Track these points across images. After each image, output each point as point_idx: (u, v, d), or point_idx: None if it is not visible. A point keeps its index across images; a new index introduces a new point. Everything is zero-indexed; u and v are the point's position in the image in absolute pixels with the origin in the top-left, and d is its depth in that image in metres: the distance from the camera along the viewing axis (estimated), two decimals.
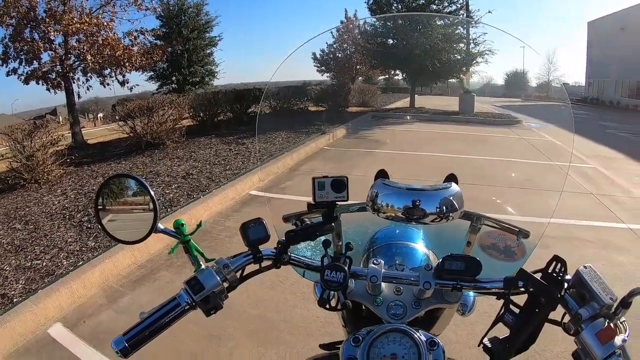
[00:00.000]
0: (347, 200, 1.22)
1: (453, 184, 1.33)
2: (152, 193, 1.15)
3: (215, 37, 27.32)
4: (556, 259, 1.02)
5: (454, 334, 3.25)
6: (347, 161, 9.29)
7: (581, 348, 0.98)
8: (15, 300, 3.71)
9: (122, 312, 3.77)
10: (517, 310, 1.01)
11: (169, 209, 6.02)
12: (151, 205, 1.15)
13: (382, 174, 1.42)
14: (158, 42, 17.67)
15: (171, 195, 6.70)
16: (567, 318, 1.02)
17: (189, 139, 11.58)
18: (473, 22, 23.93)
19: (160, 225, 1.15)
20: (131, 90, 14.61)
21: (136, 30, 13.83)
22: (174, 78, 25.31)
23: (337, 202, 1.22)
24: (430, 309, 1.17)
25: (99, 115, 40.47)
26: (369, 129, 13.73)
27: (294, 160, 9.42)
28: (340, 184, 1.20)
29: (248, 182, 7.53)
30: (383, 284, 1.16)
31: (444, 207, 1.26)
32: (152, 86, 26.10)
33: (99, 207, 1.19)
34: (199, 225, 1.32)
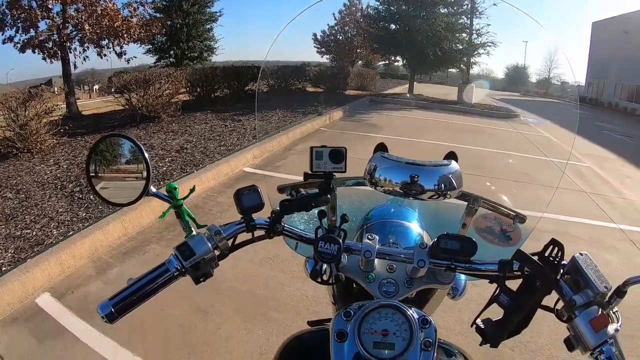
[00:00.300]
0: (344, 172, 1.20)
1: (453, 161, 1.32)
2: (146, 155, 1.12)
3: (216, 12, 27.06)
4: (554, 242, 1.00)
5: (441, 319, 3.26)
6: (343, 143, 9.26)
7: (573, 335, 0.98)
8: (3, 269, 3.69)
9: (111, 284, 3.76)
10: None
11: (161, 182, 6.01)
12: (144, 167, 1.12)
13: (381, 147, 1.39)
14: (157, 14, 17.54)
15: (164, 168, 6.69)
16: (560, 305, 1.01)
17: (184, 113, 11.51)
18: (477, 14, 23.85)
19: (153, 188, 1.13)
20: (128, 63, 14.49)
21: (136, 2, 13.61)
22: (172, 52, 25.04)
23: (334, 173, 1.19)
24: (422, 289, 1.15)
25: (94, 87, 40.15)
26: (367, 113, 13.76)
27: (289, 139, 9.43)
28: (338, 155, 1.17)
29: (242, 159, 7.51)
30: (376, 261, 1.14)
31: (442, 185, 1.25)
32: (150, 59, 25.86)
33: (91, 167, 1.16)
34: (192, 190, 1.31)
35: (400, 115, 14.91)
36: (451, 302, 1.51)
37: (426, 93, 21.73)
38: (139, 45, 14.88)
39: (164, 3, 22.87)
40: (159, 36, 20.22)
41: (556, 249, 1.00)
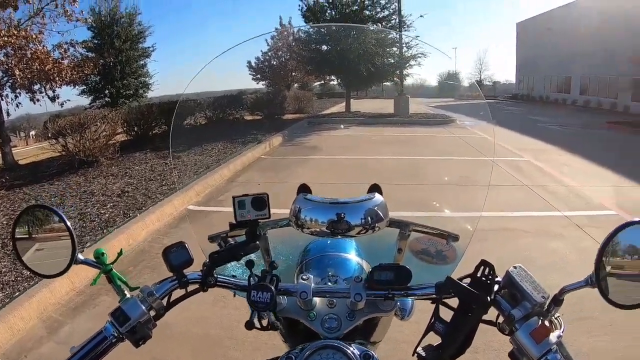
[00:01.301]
0: (269, 218, 1.23)
1: (377, 194, 1.34)
2: (69, 224, 1.14)
3: (148, 47, 26.85)
4: (484, 263, 1.03)
5: (400, 333, 3.38)
6: (284, 169, 9.41)
7: (517, 348, 0.99)
8: None
9: (64, 343, 3.68)
10: (450, 315, 1.03)
11: (105, 230, 5.98)
12: (68, 236, 1.14)
13: (304, 189, 1.41)
14: (89, 54, 17.27)
15: (107, 215, 6.64)
16: (501, 318, 1.03)
17: (123, 154, 11.40)
18: (405, 27, 24.50)
19: (81, 256, 1.14)
20: (62, 106, 14.19)
21: (66, 43, 13.34)
22: (107, 91, 24.62)
23: (259, 220, 1.22)
24: (368, 318, 1.17)
25: (31, 133, 38.92)
26: (305, 136, 13.88)
27: (230, 171, 9.47)
28: (260, 202, 1.20)
29: (185, 197, 7.55)
30: (316, 298, 1.16)
31: (369, 218, 1.26)
32: (85, 100, 25.37)
33: (17, 239, 1.18)
34: (120, 253, 1.31)
35: (339, 134, 15.06)
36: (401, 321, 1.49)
37: (363, 109, 21.99)
38: (72, 87, 14.59)
39: (96, 42, 22.63)
40: (92, 76, 19.85)
41: (487, 269, 1.03)
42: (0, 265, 5.00)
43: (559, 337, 0.98)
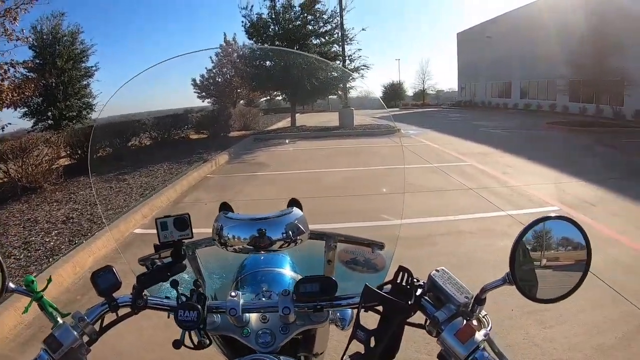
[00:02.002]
0: (192, 238, 1.25)
1: (295, 208, 1.37)
2: None
3: (91, 67, 26.39)
4: (402, 269, 1.06)
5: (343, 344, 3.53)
6: (231, 188, 9.55)
7: (444, 349, 1.01)
8: None
9: None
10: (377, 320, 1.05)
11: (50, 259, 5.94)
12: None
13: (225, 207, 1.42)
14: (31, 74, 16.82)
15: (52, 243, 6.60)
16: (429, 321, 1.06)
17: (67, 179, 11.25)
18: (347, 41, 24.93)
19: (11, 285, 1.14)
20: (3, 130, 13.84)
21: (6, 63, 12.98)
22: (49, 113, 24.01)
23: (183, 240, 1.24)
24: (304, 330, 1.21)
25: None
26: (251, 152, 14.08)
27: (177, 192, 9.53)
28: (182, 222, 1.23)
29: (131, 221, 7.58)
30: (250, 314, 1.21)
31: (290, 232, 1.28)
32: (27, 123, 24.62)
33: None
34: (49, 281, 1.36)
35: (284, 149, 15.35)
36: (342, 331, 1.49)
37: (309, 123, 22.42)
38: (13, 109, 14.24)
39: (37, 62, 22.08)
40: (34, 97, 19.41)
41: (406, 274, 1.06)
42: None
43: (486, 335, 1.01)
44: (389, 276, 1.12)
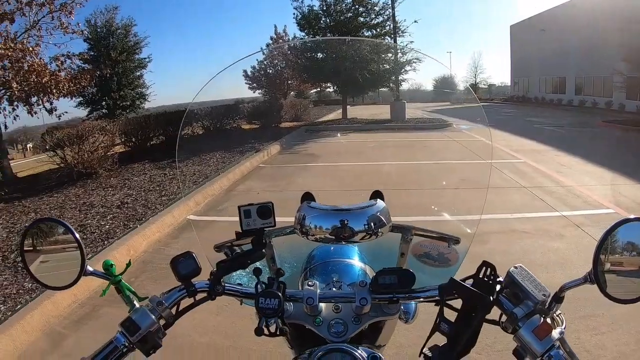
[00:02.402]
0: (274, 226, 1.24)
1: (379, 200, 1.36)
2: (77, 236, 1.15)
3: (144, 58, 26.88)
4: (485, 264, 1.05)
5: (404, 337, 3.37)
6: (283, 178, 9.45)
7: (520, 345, 1.01)
8: None
9: (68, 356, 3.66)
10: (454, 316, 1.04)
11: (105, 242, 5.97)
12: (77, 248, 1.15)
13: (307, 197, 1.43)
14: (86, 66, 17.23)
15: (107, 226, 6.64)
16: (504, 317, 1.05)
17: (122, 166, 11.42)
18: (399, 33, 24.60)
19: (90, 268, 1.15)
20: (60, 118, 14.11)
21: (63, 55, 13.26)
22: (104, 103, 24.61)
23: (265, 229, 1.23)
24: (373, 322, 1.18)
25: (28, 146, 38.80)
26: (303, 143, 13.95)
27: (229, 180, 9.51)
28: (266, 211, 1.22)
29: (185, 207, 7.54)
30: (322, 304, 1.18)
31: (372, 224, 1.27)
32: (82, 112, 25.27)
33: (26, 252, 1.19)
34: (128, 265, 1.35)
35: (336, 141, 15.13)
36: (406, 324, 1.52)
37: (360, 115, 22.17)
38: (69, 99, 14.56)
39: (92, 53, 22.64)
40: (89, 88, 19.84)
41: (489, 269, 1.05)
42: (2, 278, 4.99)
43: (561, 333, 1.00)
44: (461, 271, 1.17)
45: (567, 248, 5.23)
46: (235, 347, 3.62)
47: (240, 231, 1.23)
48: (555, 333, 0.99)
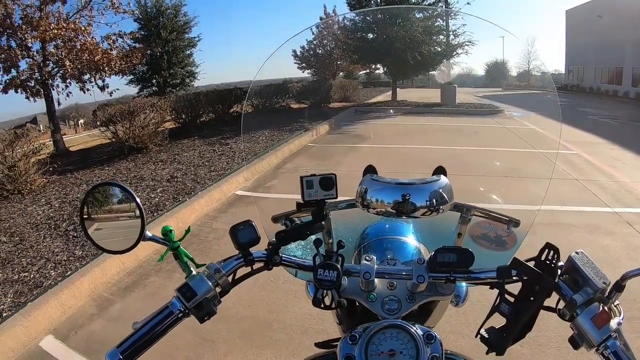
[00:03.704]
0: (336, 198, 1.21)
1: (442, 176, 1.33)
2: (138, 200, 1.13)
3: (194, 37, 26.96)
4: (549, 246, 1.02)
5: (447, 324, 3.27)
6: (331, 158, 9.29)
7: (577, 333, 0.99)
8: (4, 314, 3.66)
9: (113, 321, 3.74)
10: (511, 299, 1.02)
11: (155, 214, 5.99)
12: (137, 213, 1.14)
13: (370, 170, 1.41)
14: (137, 45, 17.50)
15: (157, 199, 6.67)
16: (561, 304, 1.02)
17: (172, 141, 11.56)
18: (452, 14, 24.06)
19: (149, 233, 1.14)
20: (111, 95, 14.43)
21: (114, 34, 13.60)
22: (154, 81, 24.83)
23: (326, 200, 1.21)
24: (425, 302, 1.16)
25: (79, 122, 39.89)
26: (352, 124, 13.78)
27: (278, 158, 9.44)
28: (328, 182, 1.19)
29: (234, 183, 7.52)
30: (376, 280, 1.15)
31: (434, 200, 1.25)
32: (133, 90, 25.71)
33: (85, 217, 1.17)
34: (188, 231, 1.30)
35: (385, 123, 14.91)
36: (455, 308, 1.49)
37: (409, 98, 21.85)
38: (120, 76, 14.84)
39: (143, 33, 22.86)
40: (139, 66, 20.19)
41: (552, 252, 1.01)
42: (54, 246, 5.05)
43: (619, 324, 0.98)
44: (519, 255, 1.09)
45: (617, 246, 4.94)
46: (279, 321, 3.64)
47: (302, 202, 1.21)
48: (613, 323, 0.96)
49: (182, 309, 1.05)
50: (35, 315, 3.63)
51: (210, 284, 1.08)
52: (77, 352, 3.35)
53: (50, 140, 12.56)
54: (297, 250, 1.48)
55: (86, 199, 1.17)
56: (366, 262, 1.11)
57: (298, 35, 1.76)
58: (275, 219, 1.50)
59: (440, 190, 1.27)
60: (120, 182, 1.16)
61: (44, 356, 3.35)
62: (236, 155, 9.50)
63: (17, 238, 5.42)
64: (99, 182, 1.20)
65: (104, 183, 1.19)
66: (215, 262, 1.13)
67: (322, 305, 1.09)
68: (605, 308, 0.97)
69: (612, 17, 37.65)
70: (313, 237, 1.17)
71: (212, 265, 1.12)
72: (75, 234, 5.35)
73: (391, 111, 14.81)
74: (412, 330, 1.03)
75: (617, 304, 1.03)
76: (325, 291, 1.08)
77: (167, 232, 1.15)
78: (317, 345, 1.29)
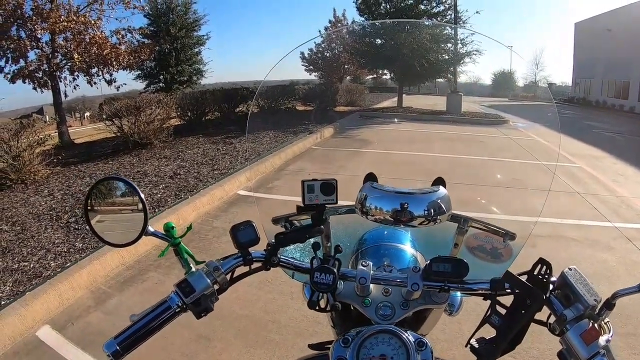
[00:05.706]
0: (336, 203, 1.23)
1: (441, 187, 1.36)
2: (142, 195, 1.15)
3: (203, 36, 26.98)
4: (541, 261, 1.04)
5: (441, 332, 3.29)
6: (335, 161, 9.32)
7: (566, 348, 1.00)
8: (2, 302, 3.69)
9: (110, 314, 3.77)
10: (503, 311, 1.03)
11: (156, 209, 6.01)
12: (141, 208, 1.15)
13: (370, 177, 1.43)
14: (146, 40, 17.55)
15: (159, 195, 6.69)
16: (552, 318, 1.03)
17: (176, 138, 11.59)
18: (460, 23, 24.07)
19: (151, 228, 1.15)
20: (118, 89, 14.53)
21: (124, 29, 13.71)
22: (161, 77, 24.85)
23: (326, 205, 1.22)
24: (419, 310, 1.17)
25: (85, 114, 39.94)
26: (357, 129, 13.74)
27: (281, 159, 9.44)
28: (329, 187, 1.21)
29: (236, 182, 7.54)
30: (372, 286, 1.16)
31: (432, 210, 1.28)
32: (140, 85, 25.76)
33: (89, 209, 1.19)
34: (189, 228, 1.31)
35: (390, 129, 14.86)
36: (450, 317, 1.51)
37: (415, 105, 21.79)
38: (128, 71, 14.88)
39: (152, 29, 22.91)
40: (148, 62, 20.21)
41: (544, 267, 1.03)
42: (54, 237, 5.08)
43: (608, 341, 0.99)
44: (515, 268, 1.10)
45: (615, 261, 4.93)
46: (274, 321, 3.66)
47: (302, 205, 1.22)
48: (602, 340, 0.97)
49: (180, 304, 1.07)
50: (33, 305, 3.65)
51: (208, 281, 1.09)
52: (73, 343, 3.37)
53: (55, 132, 12.63)
54: (295, 252, 1.50)
55: (91, 191, 1.18)
56: (362, 268, 1.13)
57: (309, 41, 1.75)
58: (276, 221, 1.53)
59: (439, 201, 1.30)
60: (125, 177, 1.19)
61: (39, 345, 3.37)
62: (239, 154, 9.53)
63: (19, 227, 5.45)
64: (105, 176, 1.22)
65: (110, 177, 1.20)
66: (215, 260, 1.14)
67: (317, 308, 1.10)
68: (595, 325, 0.98)
69: (621, 31, 37.55)
70: (312, 240, 1.19)
71: (211, 262, 1.13)
72: (76, 226, 5.38)
73: (395, 120, 14.80)
74: (404, 337, 1.05)
75: (607, 322, 1.05)
76: (320, 294, 1.10)
77: (169, 229, 1.17)
78: (311, 346, 1.31)
